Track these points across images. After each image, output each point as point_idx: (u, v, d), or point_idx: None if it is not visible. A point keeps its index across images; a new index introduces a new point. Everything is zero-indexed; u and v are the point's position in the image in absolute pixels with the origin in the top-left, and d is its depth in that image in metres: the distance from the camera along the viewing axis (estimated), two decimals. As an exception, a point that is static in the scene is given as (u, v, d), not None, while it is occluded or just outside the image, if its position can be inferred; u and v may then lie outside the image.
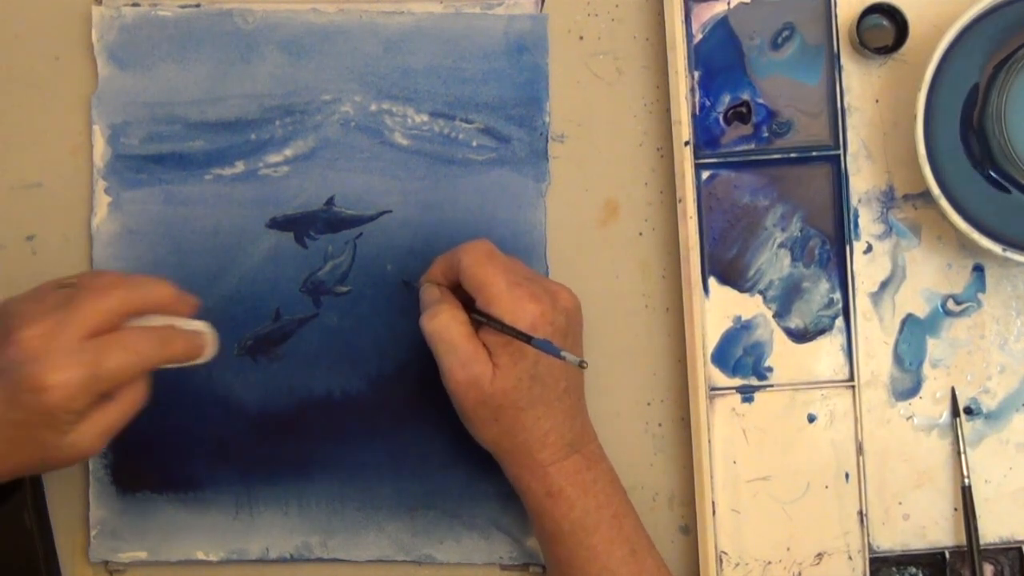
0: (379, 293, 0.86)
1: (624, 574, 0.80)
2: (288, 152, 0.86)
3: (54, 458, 0.73)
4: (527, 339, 0.76)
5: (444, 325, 0.78)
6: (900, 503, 0.85)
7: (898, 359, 0.86)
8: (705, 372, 0.85)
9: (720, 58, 0.86)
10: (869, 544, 0.85)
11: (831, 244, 0.86)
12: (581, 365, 0.75)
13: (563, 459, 0.80)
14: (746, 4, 0.86)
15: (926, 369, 0.86)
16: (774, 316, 0.86)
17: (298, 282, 0.86)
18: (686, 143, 0.85)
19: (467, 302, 0.80)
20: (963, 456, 0.85)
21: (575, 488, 0.80)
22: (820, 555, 0.85)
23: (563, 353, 0.75)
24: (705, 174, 0.86)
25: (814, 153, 0.85)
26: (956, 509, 0.85)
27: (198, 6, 0.86)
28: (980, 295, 0.86)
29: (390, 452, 0.86)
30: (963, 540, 0.85)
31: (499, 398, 0.78)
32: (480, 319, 0.78)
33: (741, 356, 0.86)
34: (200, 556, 0.86)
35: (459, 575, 0.87)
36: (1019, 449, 0.86)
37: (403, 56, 0.86)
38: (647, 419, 0.87)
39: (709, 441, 0.85)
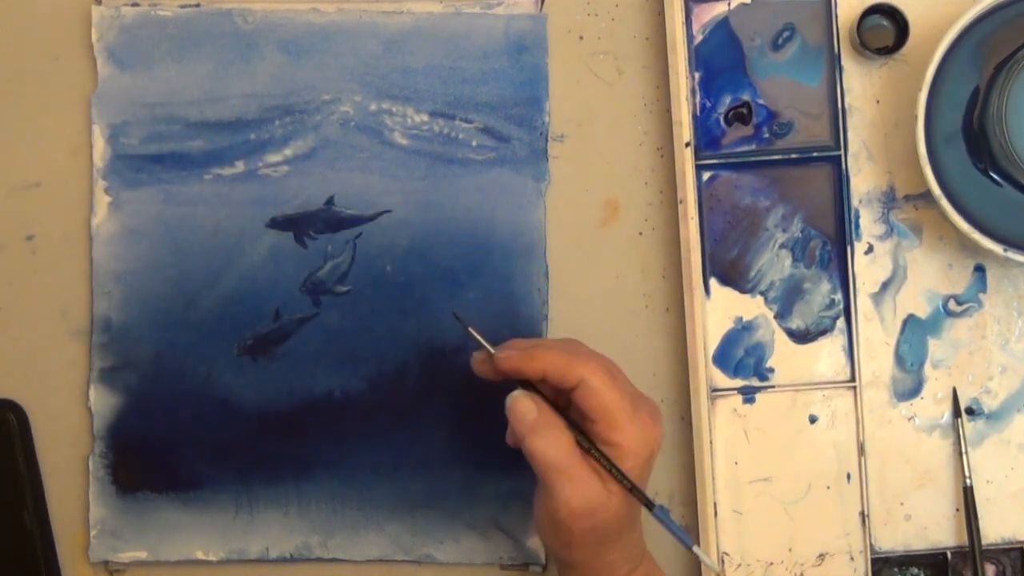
0: (379, 293, 0.86)
1: None
2: (288, 152, 0.86)
3: None
4: (647, 504, 0.74)
5: (562, 450, 0.73)
6: (902, 503, 0.85)
7: (899, 360, 0.86)
8: (707, 373, 0.85)
9: (721, 59, 0.86)
10: (871, 545, 0.85)
11: (832, 245, 0.86)
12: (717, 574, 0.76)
13: (636, 568, 0.78)
14: (747, 5, 0.86)
15: (927, 369, 0.86)
16: (775, 317, 0.86)
17: (298, 282, 0.86)
18: (687, 144, 0.85)
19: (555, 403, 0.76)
20: (964, 456, 0.85)
21: None
22: (822, 556, 0.85)
23: (696, 550, 0.73)
24: (706, 175, 0.86)
25: (815, 154, 0.85)
26: (958, 509, 0.85)
27: (198, 6, 0.86)
28: (981, 295, 0.86)
29: (390, 452, 0.86)
30: (965, 540, 0.85)
31: (611, 524, 0.74)
32: (605, 465, 0.74)
33: (742, 357, 0.86)
34: (200, 556, 0.86)
35: (459, 575, 0.87)
36: (1020, 449, 0.85)
37: (403, 56, 0.86)
38: (647, 419, 0.87)
39: (711, 442, 0.85)
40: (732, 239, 0.86)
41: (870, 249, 0.86)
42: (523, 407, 0.75)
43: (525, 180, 0.86)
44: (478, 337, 0.76)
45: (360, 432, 0.86)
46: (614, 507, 0.74)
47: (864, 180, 0.86)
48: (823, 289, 0.86)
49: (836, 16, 0.85)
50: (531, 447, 0.74)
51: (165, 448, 0.86)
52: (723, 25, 0.86)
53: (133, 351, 0.86)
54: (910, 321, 0.86)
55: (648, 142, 0.87)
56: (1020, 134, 0.79)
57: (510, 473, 0.84)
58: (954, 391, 0.86)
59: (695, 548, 0.73)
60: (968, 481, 0.85)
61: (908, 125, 0.82)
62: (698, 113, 0.86)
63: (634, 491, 0.74)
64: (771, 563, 0.85)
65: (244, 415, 0.86)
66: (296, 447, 0.86)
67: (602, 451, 0.74)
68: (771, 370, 0.86)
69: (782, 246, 0.86)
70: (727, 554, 0.85)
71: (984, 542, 0.85)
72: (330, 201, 0.86)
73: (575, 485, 0.73)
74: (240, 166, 0.86)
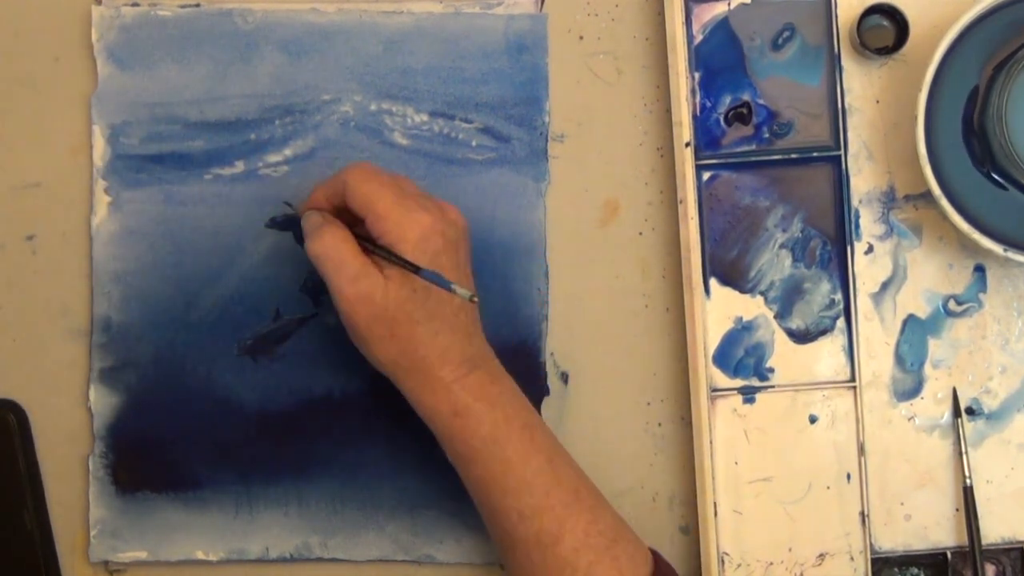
0: (379, 293, 0.86)
1: (541, 483, 0.78)
2: (288, 152, 0.86)
3: None
4: (415, 269, 0.75)
5: (330, 244, 0.77)
6: (902, 503, 0.85)
7: (899, 360, 0.86)
8: (707, 373, 0.85)
9: (721, 59, 0.86)
10: (871, 545, 0.85)
11: (832, 245, 0.85)
12: (472, 299, 0.74)
13: (466, 375, 0.78)
14: (747, 5, 0.86)
15: (927, 369, 0.86)
16: (775, 317, 0.86)
17: (298, 282, 0.86)
18: (687, 144, 0.85)
19: (351, 226, 0.79)
20: (965, 456, 0.85)
21: (482, 403, 0.78)
22: (822, 556, 0.85)
23: (453, 286, 0.74)
24: (706, 175, 0.86)
25: (815, 154, 0.85)
26: (958, 509, 0.85)
27: (198, 6, 0.86)
28: (981, 295, 0.86)
29: (390, 452, 0.86)
30: (965, 540, 0.85)
31: (393, 310, 0.76)
32: (367, 245, 0.77)
33: (742, 357, 0.86)
34: (200, 556, 0.86)
35: (459, 575, 0.87)
36: (1020, 449, 0.85)
37: (403, 56, 0.86)
38: (647, 419, 0.87)
39: (711, 442, 0.85)
40: (732, 239, 0.86)
41: (870, 249, 0.86)
42: (307, 220, 0.79)
43: (525, 180, 0.86)
44: (291, 208, 0.84)
45: (360, 432, 0.86)
46: (393, 290, 0.76)
47: (864, 180, 0.86)
48: (823, 289, 0.86)
49: (836, 16, 0.85)
50: (308, 249, 0.78)
51: (165, 448, 0.85)
52: (723, 25, 0.86)
53: (133, 351, 0.86)
54: (910, 321, 0.86)
55: (648, 142, 0.87)
56: (1020, 134, 0.79)
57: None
58: (954, 391, 0.86)
59: (454, 286, 0.74)
60: (968, 481, 0.85)
61: (908, 125, 0.82)
62: (698, 113, 0.86)
63: (392, 257, 0.76)
64: (771, 563, 0.85)
65: (244, 415, 0.86)
66: (296, 447, 0.86)
67: (373, 241, 0.77)
68: (771, 370, 0.86)
69: (782, 246, 0.86)
70: (727, 554, 0.85)
71: (984, 542, 0.85)
72: (330, 201, 0.86)
73: (347, 271, 0.76)
74: (240, 166, 0.86)
